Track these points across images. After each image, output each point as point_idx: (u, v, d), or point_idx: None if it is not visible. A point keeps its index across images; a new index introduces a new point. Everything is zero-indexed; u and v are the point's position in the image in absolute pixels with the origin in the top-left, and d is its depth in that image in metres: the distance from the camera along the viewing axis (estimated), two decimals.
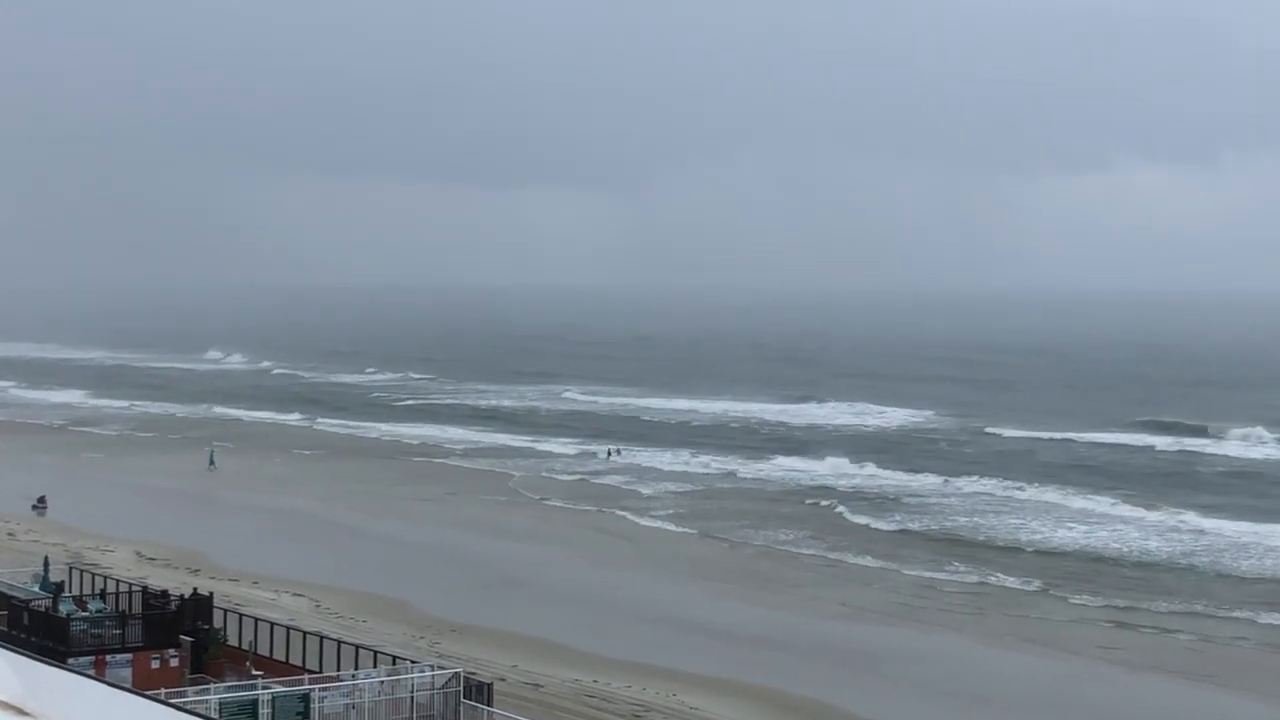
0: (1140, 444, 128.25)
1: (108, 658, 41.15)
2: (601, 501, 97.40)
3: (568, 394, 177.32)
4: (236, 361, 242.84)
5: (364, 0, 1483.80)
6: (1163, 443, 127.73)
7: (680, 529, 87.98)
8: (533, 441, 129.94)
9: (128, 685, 38.83)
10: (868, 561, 78.01)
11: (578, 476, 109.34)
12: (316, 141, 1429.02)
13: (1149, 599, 69.18)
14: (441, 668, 39.66)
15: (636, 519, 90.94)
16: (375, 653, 40.65)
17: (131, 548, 77.85)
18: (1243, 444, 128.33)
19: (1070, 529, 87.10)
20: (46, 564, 52.36)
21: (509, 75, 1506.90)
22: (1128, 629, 64.14)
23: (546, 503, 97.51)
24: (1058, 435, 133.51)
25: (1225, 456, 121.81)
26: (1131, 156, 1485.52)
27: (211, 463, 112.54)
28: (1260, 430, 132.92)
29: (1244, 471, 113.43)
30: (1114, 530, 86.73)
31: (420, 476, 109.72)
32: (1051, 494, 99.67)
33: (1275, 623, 65.21)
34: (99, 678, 38.72)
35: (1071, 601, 68.77)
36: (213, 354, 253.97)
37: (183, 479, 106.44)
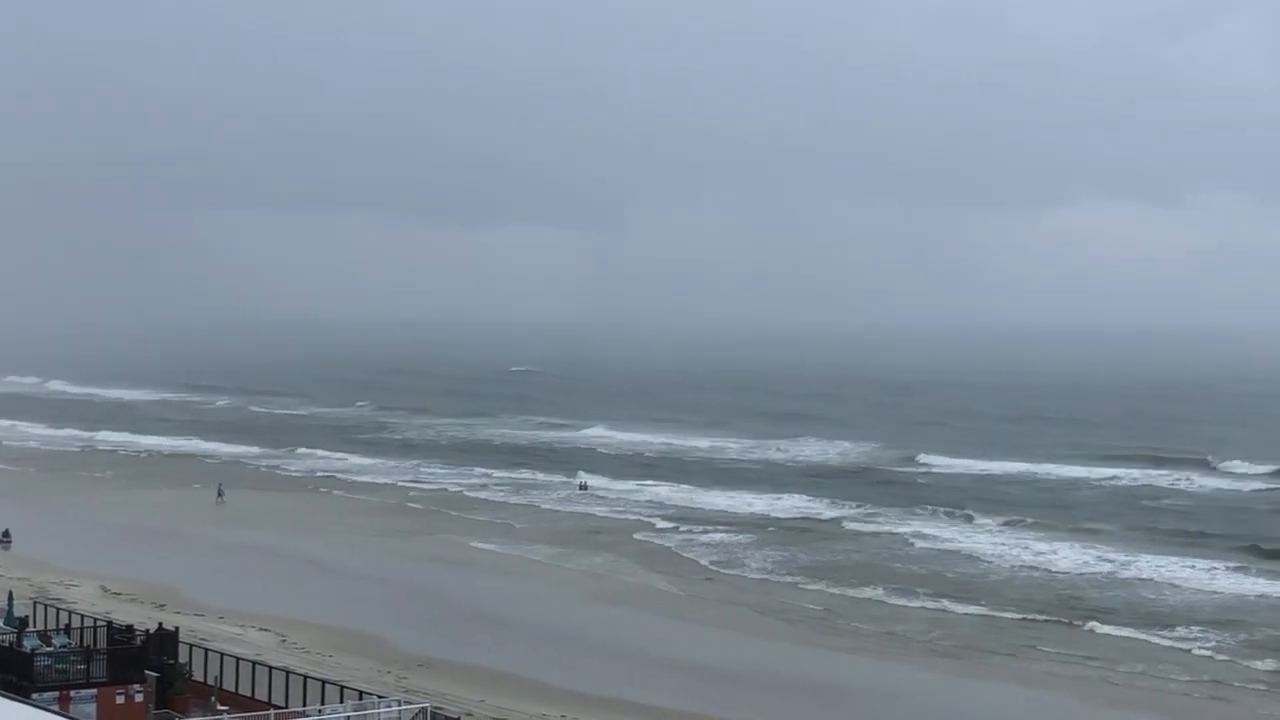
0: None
1: (72, 693, 41.00)
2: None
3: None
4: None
5: (338, 36, 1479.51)
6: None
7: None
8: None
9: None
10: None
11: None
12: (291, 174, 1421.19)
13: None
14: (409, 703, 39.69)
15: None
16: (342, 688, 40.62)
17: (97, 582, 77.25)
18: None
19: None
20: (11, 599, 52.10)
21: (485, 107, 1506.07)
22: None
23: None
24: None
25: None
26: (1094, 193, 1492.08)
27: (220, 496, 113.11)
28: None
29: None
30: None
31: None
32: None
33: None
34: (63, 713, 38.52)
35: None
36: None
37: (139, 512, 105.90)
